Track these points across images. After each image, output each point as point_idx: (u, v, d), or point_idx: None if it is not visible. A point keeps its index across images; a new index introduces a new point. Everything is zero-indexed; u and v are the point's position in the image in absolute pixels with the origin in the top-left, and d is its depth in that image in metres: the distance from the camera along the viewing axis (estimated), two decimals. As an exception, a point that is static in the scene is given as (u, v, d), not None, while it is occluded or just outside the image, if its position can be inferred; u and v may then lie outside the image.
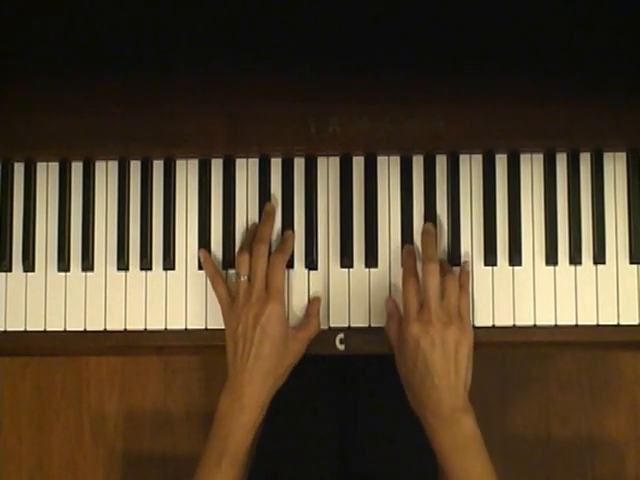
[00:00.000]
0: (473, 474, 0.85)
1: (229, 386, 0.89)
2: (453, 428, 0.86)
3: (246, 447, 0.88)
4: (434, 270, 0.89)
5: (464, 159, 0.96)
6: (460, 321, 0.89)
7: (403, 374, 0.90)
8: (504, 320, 0.94)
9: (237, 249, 0.95)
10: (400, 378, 0.91)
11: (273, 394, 0.91)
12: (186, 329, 0.96)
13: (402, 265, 0.94)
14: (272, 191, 0.97)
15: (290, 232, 0.96)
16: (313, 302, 0.95)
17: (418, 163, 0.96)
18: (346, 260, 0.95)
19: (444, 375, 0.86)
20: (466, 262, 0.94)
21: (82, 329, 0.96)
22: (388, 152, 0.96)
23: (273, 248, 0.95)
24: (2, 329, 0.97)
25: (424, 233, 0.94)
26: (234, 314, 0.90)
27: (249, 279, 0.91)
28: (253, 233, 0.95)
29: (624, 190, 0.95)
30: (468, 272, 0.94)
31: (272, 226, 0.95)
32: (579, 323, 0.94)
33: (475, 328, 0.93)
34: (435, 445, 0.87)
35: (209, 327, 0.95)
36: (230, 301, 0.92)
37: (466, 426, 0.86)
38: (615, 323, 0.94)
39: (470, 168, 0.96)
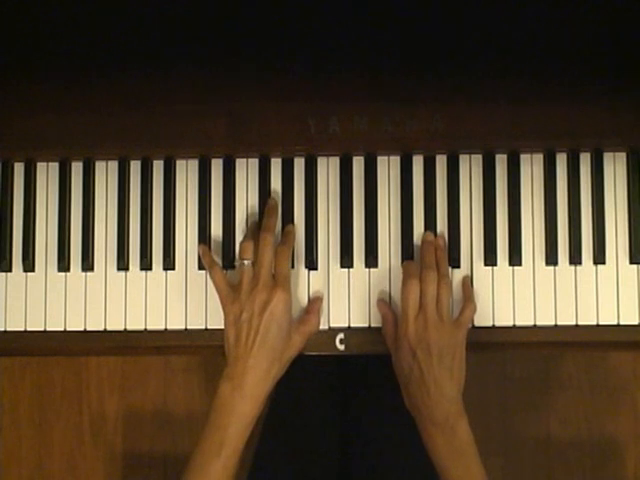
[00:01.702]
0: (467, 477, 0.86)
1: (229, 374, 0.87)
2: (448, 434, 0.86)
3: (246, 437, 0.87)
4: (432, 278, 0.89)
5: (464, 159, 0.96)
6: (456, 328, 0.89)
7: (399, 377, 0.90)
8: (504, 320, 0.94)
9: (238, 247, 0.95)
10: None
11: (273, 385, 0.90)
12: (186, 329, 0.96)
13: (402, 267, 0.94)
14: (272, 191, 0.97)
15: (290, 225, 0.95)
16: (314, 300, 0.95)
17: (418, 163, 0.96)
18: (346, 260, 0.95)
19: (440, 383, 0.86)
20: (466, 276, 0.95)
21: (82, 329, 0.96)
22: (388, 152, 0.96)
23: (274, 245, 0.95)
24: (2, 329, 0.97)
25: (424, 242, 0.94)
26: (237, 301, 0.89)
27: (253, 264, 0.90)
28: (254, 225, 0.95)
29: (624, 190, 0.95)
30: (469, 283, 0.94)
31: (277, 219, 0.95)
32: (579, 323, 0.94)
33: (475, 328, 0.93)
34: (430, 449, 0.87)
35: (209, 327, 0.95)
36: (229, 290, 0.90)
37: (461, 431, 0.86)
38: (615, 323, 0.94)
39: (470, 168, 0.96)
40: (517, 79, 0.94)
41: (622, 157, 0.96)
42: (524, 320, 0.94)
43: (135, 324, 0.96)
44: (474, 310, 0.92)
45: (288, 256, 0.92)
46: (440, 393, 0.86)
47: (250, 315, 0.88)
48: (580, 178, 0.95)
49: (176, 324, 0.96)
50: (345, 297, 0.95)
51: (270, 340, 0.87)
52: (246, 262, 0.90)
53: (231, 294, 0.90)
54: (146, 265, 0.96)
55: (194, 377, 1.64)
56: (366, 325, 0.95)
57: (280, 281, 0.89)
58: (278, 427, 1.07)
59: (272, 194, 0.97)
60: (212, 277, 0.93)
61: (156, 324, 0.96)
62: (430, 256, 0.92)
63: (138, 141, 0.96)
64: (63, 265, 0.97)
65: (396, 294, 0.95)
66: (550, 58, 0.95)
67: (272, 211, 0.95)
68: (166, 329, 0.96)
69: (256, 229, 0.94)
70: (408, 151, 0.96)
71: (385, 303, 0.94)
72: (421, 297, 0.89)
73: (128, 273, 0.97)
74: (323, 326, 0.95)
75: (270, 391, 0.89)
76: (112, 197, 0.98)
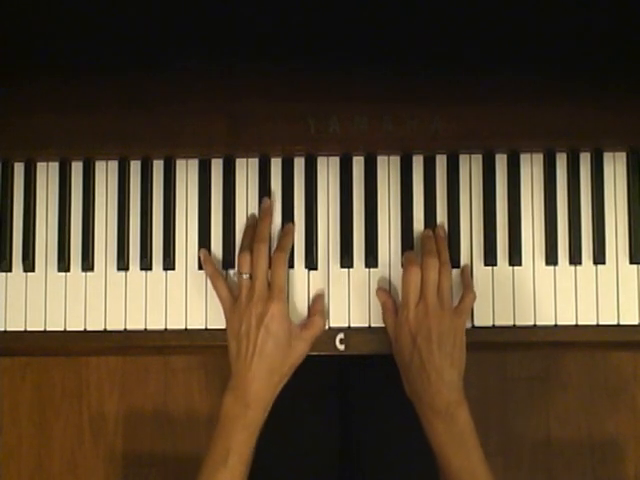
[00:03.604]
0: (468, 466, 0.86)
1: (233, 385, 0.89)
2: (449, 421, 0.86)
3: (251, 445, 0.88)
4: (433, 264, 0.90)
5: (464, 159, 0.96)
6: (456, 315, 0.89)
7: (400, 364, 0.91)
8: (504, 320, 0.94)
9: (238, 248, 0.95)
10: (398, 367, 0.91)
11: (277, 393, 0.90)
12: (186, 329, 0.96)
13: (404, 257, 0.94)
14: (272, 191, 0.97)
15: (290, 225, 0.96)
16: (316, 300, 0.95)
17: (418, 163, 0.96)
18: (346, 260, 0.95)
19: (440, 369, 0.87)
20: (466, 265, 0.95)
21: (82, 329, 0.96)
22: (388, 152, 0.96)
23: (273, 244, 0.95)
24: (2, 329, 0.97)
25: (424, 235, 0.94)
26: (237, 313, 0.90)
27: (251, 277, 0.91)
28: (252, 228, 0.95)
29: (624, 190, 0.95)
30: (468, 273, 0.94)
31: (270, 222, 0.95)
32: (579, 323, 0.94)
33: (475, 328, 0.93)
34: (430, 437, 0.88)
35: (209, 327, 0.95)
36: (232, 300, 0.92)
37: (462, 420, 0.86)
38: (615, 323, 0.94)
39: (470, 168, 0.96)
40: (517, 79, 0.94)
41: (622, 157, 0.96)
42: (524, 320, 0.94)
43: (135, 324, 0.96)
44: (474, 298, 0.92)
45: (284, 264, 0.92)
46: (440, 380, 0.86)
47: (247, 328, 0.89)
48: (580, 178, 0.95)
49: (176, 324, 0.96)
50: (345, 297, 0.95)
51: (268, 351, 0.88)
52: (244, 276, 0.91)
53: (233, 305, 0.91)
54: (146, 265, 0.96)
55: (194, 377, 1.64)
56: (366, 325, 0.95)
57: (275, 292, 0.90)
58: (278, 427, 1.07)
59: (272, 194, 0.97)
60: (214, 287, 0.94)
61: (156, 324, 0.96)
62: (431, 244, 0.92)
63: (138, 141, 0.96)
64: (63, 265, 0.97)
65: (396, 293, 0.95)
66: (550, 58, 0.95)
67: (266, 214, 0.95)
68: (166, 329, 0.96)
69: (251, 235, 0.94)
70: (408, 151, 0.96)
71: (385, 291, 0.94)
72: (422, 284, 0.89)
73: (128, 273, 0.97)
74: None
75: (273, 399, 0.90)
76: (112, 197, 0.98)
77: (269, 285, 0.90)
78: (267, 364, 0.88)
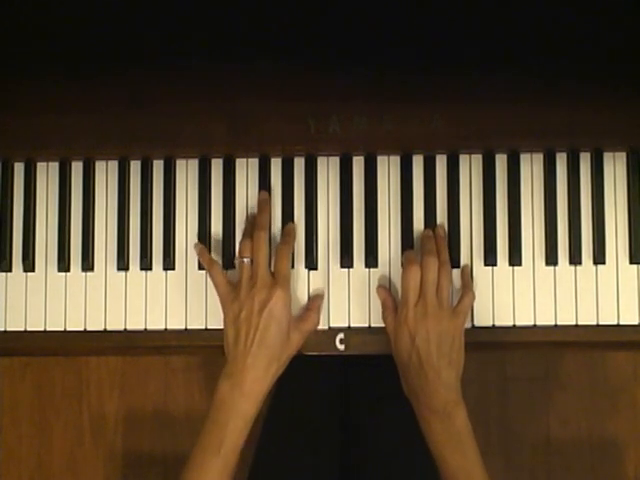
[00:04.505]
0: (464, 466, 0.86)
1: (229, 371, 0.88)
2: (446, 421, 0.86)
3: (245, 435, 0.87)
4: (433, 264, 0.90)
5: (464, 159, 0.96)
6: (455, 315, 0.90)
7: (398, 364, 0.91)
8: (504, 320, 0.94)
9: (240, 238, 0.94)
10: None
11: (273, 383, 0.90)
12: (186, 329, 0.96)
13: (403, 256, 0.94)
14: (272, 191, 0.97)
15: (292, 224, 0.96)
16: (315, 298, 0.95)
17: (418, 163, 0.96)
18: (346, 260, 0.95)
19: (438, 370, 0.87)
20: (466, 265, 0.95)
21: (82, 329, 0.96)
22: (388, 152, 0.96)
23: (273, 245, 0.95)
24: (2, 329, 0.97)
25: (424, 235, 0.94)
26: (236, 299, 0.89)
27: (252, 263, 0.90)
28: (252, 224, 0.95)
29: (624, 190, 0.95)
30: (468, 273, 0.94)
31: (269, 214, 0.95)
32: (579, 323, 0.94)
33: (475, 328, 0.94)
34: (428, 437, 0.88)
35: (209, 327, 0.95)
36: (229, 289, 0.91)
37: (459, 420, 0.86)
38: (615, 323, 0.94)
39: (470, 168, 0.96)
40: (517, 79, 0.94)
41: (622, 157, 0.96)
42: (524, 320, 0.94)
43: (135, 324, 0.96)
44: (473, 298, 0.92)
45: (288, 255, 0.92)
46: (438, 379, 0.87)
47: (249, 314, 0.88)
48: (580, 178, 0.96)
49: (176, 324, 0.96)
50: (345, 297, 0.95)
51: (269, 339, 0.88)
52: (245, 260, 0.90)
53: (231, 293, 0.91)
54: (146, 265, 0.96)
55: (194, 377, 1.64)
56: (366, 325, 0.95)
57: (279, 280, 0.90)
58: (278, 427, 1.07)
59: (272, 194, 0.97)
60: (211, 276, 0.93)
61: (156, 324, 0.96)
62: (430, 244, 0.93)
63: (138, 141, 0.96)
64: (63, 265, 0.97)
65: (396, 293, 0.95)
66: (550, 58, 0.95)
67: (264, 205, 0.95)
68: (166, 329, 0.96)
69: (252, 227, 0.94)
70: (408, 151, 0.96)
71: (385, 289, 0.94)
72: (421, 283, 0.89)
73: (128, 273, 0.97)
74: (323, 326, 0.95)
75: (269, 389, 0.90)
76: (112, 197, 0.98)
77: (273, 273, 0.90)
78: (267, 352, 0.88)
